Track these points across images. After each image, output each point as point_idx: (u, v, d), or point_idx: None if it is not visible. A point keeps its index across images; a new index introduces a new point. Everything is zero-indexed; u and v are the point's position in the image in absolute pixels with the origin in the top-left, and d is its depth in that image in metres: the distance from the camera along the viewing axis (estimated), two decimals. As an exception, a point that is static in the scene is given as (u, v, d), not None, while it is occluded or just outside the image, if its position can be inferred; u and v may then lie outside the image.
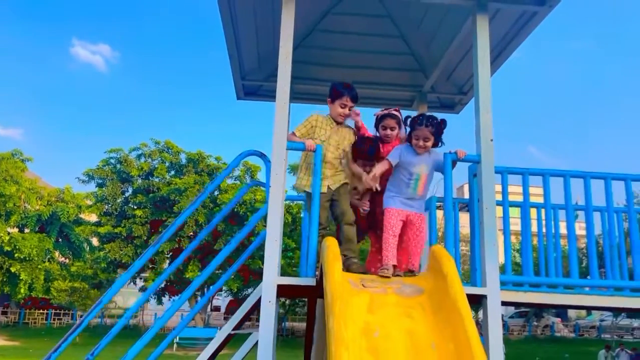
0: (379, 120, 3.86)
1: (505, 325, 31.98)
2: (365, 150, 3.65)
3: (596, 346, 23.33)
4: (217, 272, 24.50)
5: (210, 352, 3.91)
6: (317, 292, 3.44)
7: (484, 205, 3.43)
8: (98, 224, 25.57)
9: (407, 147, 3.52)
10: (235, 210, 20.50)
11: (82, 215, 29.71)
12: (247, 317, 3.88)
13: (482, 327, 3.40)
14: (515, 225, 4.02)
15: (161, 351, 4.41)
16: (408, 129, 3.60)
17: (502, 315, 32.61)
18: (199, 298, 27.51)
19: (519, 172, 3.86)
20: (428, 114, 3.58)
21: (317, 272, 3.36)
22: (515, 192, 4.06)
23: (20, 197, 26.16)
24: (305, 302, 29.58)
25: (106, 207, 25.62)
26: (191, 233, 24.11)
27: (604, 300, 3.81)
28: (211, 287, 31.04)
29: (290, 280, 3.35)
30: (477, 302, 3.36)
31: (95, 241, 29.65)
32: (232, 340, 4.20)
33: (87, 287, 23.98)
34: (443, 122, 3.49)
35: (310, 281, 3.31)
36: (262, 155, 3.83)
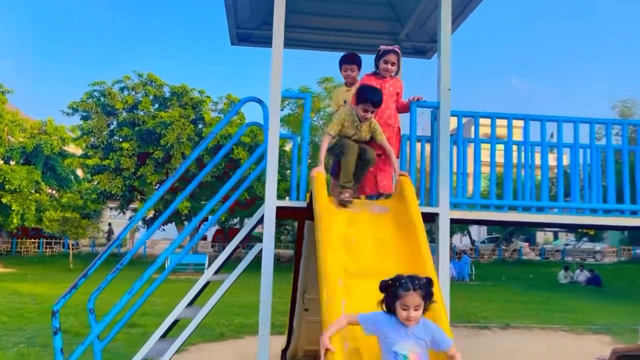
0: (381, 55, 4.45)
1: (476, 250, 34.16)
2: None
3: (558, 268, 25.36)
4: (203, 202, 25.53)
5: (206, 279, 4.65)
6: (306, 214, 4.32)
7: (441, 142, 4.29)
8: (85, 157, 26.06)
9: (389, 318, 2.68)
10: (220, 143, 21.14)
11: (66, 148, 30.07)
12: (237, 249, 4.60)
13: (435, 238, 4.33)
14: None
15: (165, 277, 4.73)
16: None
17: (474, 241, 34.51)
18: (185, 226, 28.69)
19: (471, 115, 4.69)
20: (409, 275, 2.69)
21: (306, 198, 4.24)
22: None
23: (4, 129, 26.28)
24: (289, 231, 30.95)
25: (92, 139, 26.02)
26: (177, 166, 24.84)
27: (535, 217, 4.80)
28: (197, 217, 32.21)
29: (287, 203, 4.24)
30: (432, 219, 4.29)
31: (80, 173, 30.23)
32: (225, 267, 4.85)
33: (78, 217, 24.85)
34: (429, 282, 2.73)
35: (302, 204, 4.20)
36: (260, 101, 4.57)
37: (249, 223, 4.47)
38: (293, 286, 6.51)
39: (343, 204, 3.82)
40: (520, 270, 27.51)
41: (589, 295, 18.19)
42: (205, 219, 7.01)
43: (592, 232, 30.21)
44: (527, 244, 39.45)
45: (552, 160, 5.43)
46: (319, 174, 3.95)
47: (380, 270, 3.42)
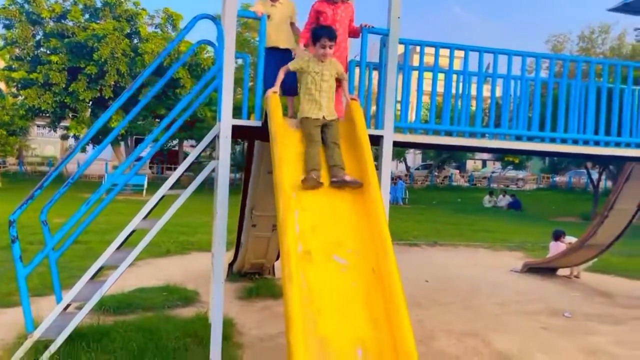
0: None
1: (410, 176, 35.76)
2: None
3: (484, 193, 27.21)
4: (140, 122, 24.80)
5: (163, 193, 4.73)
6: (261, 133, 4.52)
7: (388, 69, 4.54)
8: (10, 69, 24.23)
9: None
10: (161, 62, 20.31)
11: (-15, 59, 27.73)
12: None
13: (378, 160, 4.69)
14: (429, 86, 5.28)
15: (113, 197, 4.70)
16: None
17: (409, 167, 36.01)
18: (121, 146, 27.93)
19: (417, 44, 4.95)
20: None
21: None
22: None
23: None
24: (232, 154, 30.92)
25: (17, 51, 24.12)
26: (112, 82, 23.73)
27: (467, 141, 5.27)
28: (134, 136, 30.93)
29: (242, 122, 4.42)
30: (377, 142, 4.63)
31: (3, 87, 28.20)
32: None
33: (4, 134, 23.47)
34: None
35: (257, 124, 4.39)
36: (213, 19, 4.56)
37: (203, 141, 4.61)
38: (242, 204, 6.82)
39: (309, 186, 3.62)
40: (450, 195, 29.30)
41: (509, 218, 19.87)
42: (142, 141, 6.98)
43: (516, 161, 32.28)
44: (457, 171, 41.66)
45: (486, 91, 5.87)
46: (274, 94, 4.12)
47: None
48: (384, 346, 3.02)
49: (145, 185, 22.37)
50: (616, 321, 6.81)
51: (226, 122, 4.25)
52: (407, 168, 37.90)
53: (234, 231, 7.18)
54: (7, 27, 24.06)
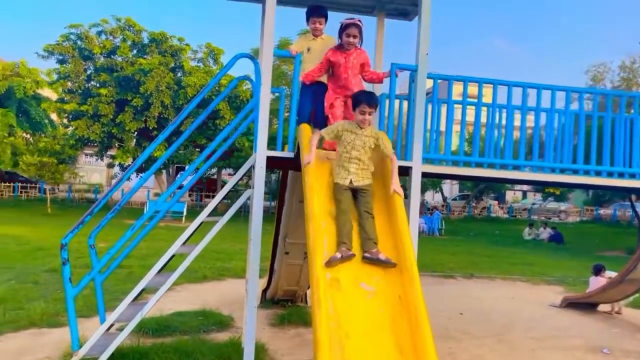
0: (344, 28, 4.56)
1: (447, 206, 35.34)
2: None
3: (524, 225, 26.57)
4: (181, 152, 25.66)
5: (201, 220, 4.98)
6: (293, 164, 4.74)
7: (416, 103, 4.71)
8: (62, 101, 25.68)
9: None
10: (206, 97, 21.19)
11: (40, 92, 29.45)
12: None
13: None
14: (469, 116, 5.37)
15: (155, 223, 4.92)
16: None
17: (446, 198, 35.58)
18: (163, 174, 28.88)
19: (446, 79, 5.11)
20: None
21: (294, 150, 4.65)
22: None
23: (-26, 70, 25.56)
24: (266, 183, 31.43)
25: (69, 84, 25.59)
26: (157, 113, 24.76)
27: (496, 173, 5.33)
28: (176, 165, 31.89)
29: (276, 153, 4.66)
30: (406, 172, 4.76)
31: (55, 118, 29.80)
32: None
33: (55, 162, 24.75)
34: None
35: (290, 155, 4.62)
36: (252, 58, 4.88)
37: (240, 171, 4.87)
38: (275, 232, 7.02)
39: (333, 266, 3.47)
40: (488, 227, 28.74)
41: (550, 251, 19.34)
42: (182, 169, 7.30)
43: (557, 192, 31.50)
44: (496, 202, 40.87)
45: (529, 122, 5.91)
46: (306, 126, 4.34)
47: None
48: (409, 373, 3.09)
49: (185, 213, 23.01)
50: (658, 359, 6.57)
51: (261, 153, 4.50)
52: (444, 198, 37.49)
53: (268, 258, 7.37)
54: (61, 62, 25.62)
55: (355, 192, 3.82)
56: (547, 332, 7.59)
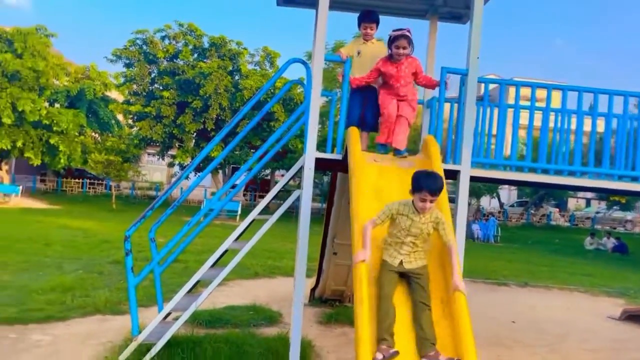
0: (393, 40, 4.58)
1: (504, 212, 34.33)
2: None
3: (586, 234, 25.43)
4: (237, 152, 26.39)
5: (253, 217, 5.16)
6: (341, 166, 4.87)
7: (467, 107, 4.72)
8: (128, 103, 27.07)
9: None
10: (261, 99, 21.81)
11: (107, 93, 31.12)
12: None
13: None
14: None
15: (208, 221, 5.31)
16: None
17: (503, 204, 34.47)
18: (219, 174, 29.78)
19: (497, 82, 5.08)
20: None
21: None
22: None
23: (49, 72, 27.24)
24: (316, 184, 31.82)
25: (134, 87, 26.94)
26: (215, 115, 25.58)
27: (549, 178, 5.23)
28: (232, 165, 32.84)
29: (325, 155, 4.81)
30: (454, 176, 4.78)
31: (121, 118, 31.41)
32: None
33: (120, 161, 26.10)
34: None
35: (338, 157, 4.75)
36: (304, 63, 5.05)
37: (290, 171, 5.06)
38: (324, 232, 7.17)
39: None
40: (547, 235, 27.69)
41: (613, 262, 18.44)
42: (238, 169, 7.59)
43: (623, 201, 29.88)
44: (557, 209, 39.27)
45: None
46: (354, 129, 4.46)
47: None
48: (449, 373, 3.14)
49: (239, 212, 23.64)
50: None
51: (310, 154, 4.66)
52: (501, 204, 36.43)
53: (316, 259, 7.54)
54: (128, 65, 27.02)
55: (407, 276, 3.40)
56: (603, 344, 7.32)
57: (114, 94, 30.73)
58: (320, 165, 4.98)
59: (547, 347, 7.00)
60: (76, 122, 26.27)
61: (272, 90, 22.22)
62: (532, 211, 35.27)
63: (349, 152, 4.27)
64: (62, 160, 26.27)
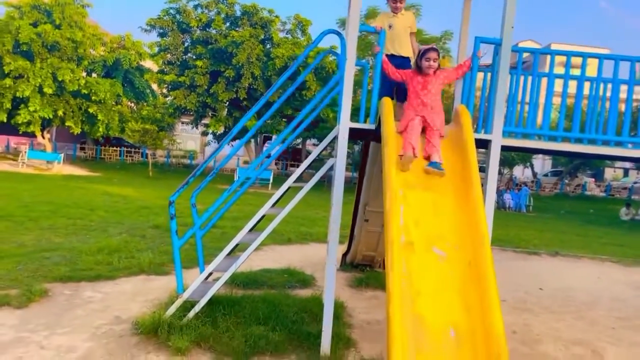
0: (423, 54, 4.49)
1: (537, 182, 33.80)
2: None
3: (622, 205, 24.92)
4: (269, 122, 26.67)
5: (288, 185, 5.37)
6: (374, 135, 5.02)
7: (499, 77, 4.77)
8: (162, 72, 27.50)
9: None
10: (288, 64, 21.81)
11: (142, 63, 31.63)
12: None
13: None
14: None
15: (245, 189, 5.50)
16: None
17: (536, 173, 34.02)
18: (252, 143, 30.18)
19: (531, 51, 5.08)
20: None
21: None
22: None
23: (86, 42, 27.81)
24: (349, 154, 31.94)
25: (169, 56, 27.31)
26: (247, 84, 25.78)
27: (578, 147, 5.26)
28: (264, 134, 33.16)
29: (358, 125, 4.96)
30: (485, 145, 4.87)
31: (156, 88, 32.00)
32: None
33: (156, 129, 26.77)
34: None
35: (372, 127, 4.90)
36: (338, 34, 5.15)
37: (324, 141, 5.24)
38: (356, 200, 7.37)
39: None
40: (582, 205, 27.27)
41: (649, 233, 18.11)
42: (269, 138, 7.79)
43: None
44: (593, 179, 38.40)
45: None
46: (387, 99, 4.58)
47: (433, 185, 4.14)
48: (476, 330, 3.34)
49: (271, 180, 24.08)
50: None
51: (344, 125, 4.82)
52: (534, 174, 35.83)
53: (348, 226, 7.77)
54: (162, 35, 27.33)
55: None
56: (632, 313, 7.39)
57: (148, 64, 31.22)
58: (354, 135, 5.13)
59: (574, 313, 7.12)
60: (113, 91, 26.92)
61: (304, 60, 22.21)
62: (567, 181, 34.61)
63: (382, 122, 4.40)
64: (100, 129, 27.10)
